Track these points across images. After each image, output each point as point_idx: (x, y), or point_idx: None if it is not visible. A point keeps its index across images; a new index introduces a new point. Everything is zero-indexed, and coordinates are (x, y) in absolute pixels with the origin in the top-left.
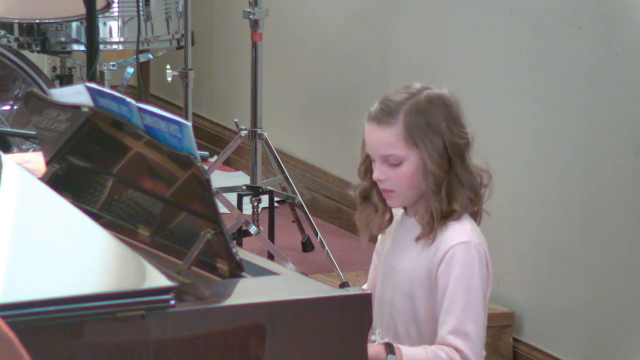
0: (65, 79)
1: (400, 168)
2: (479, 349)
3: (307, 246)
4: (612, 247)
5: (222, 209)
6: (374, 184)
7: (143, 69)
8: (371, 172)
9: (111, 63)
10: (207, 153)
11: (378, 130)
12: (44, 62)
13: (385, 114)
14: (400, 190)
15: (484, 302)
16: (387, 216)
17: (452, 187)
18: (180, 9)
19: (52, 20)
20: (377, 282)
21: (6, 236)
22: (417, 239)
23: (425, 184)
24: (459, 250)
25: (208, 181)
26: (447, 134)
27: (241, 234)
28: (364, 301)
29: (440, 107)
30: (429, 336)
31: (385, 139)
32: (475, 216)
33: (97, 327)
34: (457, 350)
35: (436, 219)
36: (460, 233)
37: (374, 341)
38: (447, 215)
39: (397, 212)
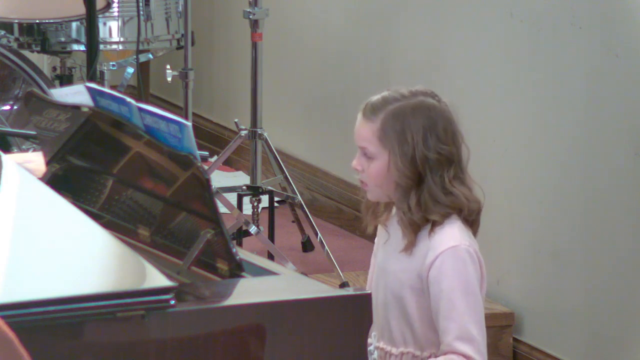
0: (65, 79)
1: (372, 163)
2: (485, 350)
3: (307, 246)
4: (612, 247)
5: (222, 209)
6: None
7: (143, 69)
8: None
9: (111, 63)
10: (207, 153)
11: (361, 122)
12: (44, 62)
13: (371, 110)
14: (370, 185)
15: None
16: (390, 206)
17: (424, 200)
18: (180, 9)
19: (52, 20)
20: (372, 283)
21: (6, 236)
22: (401, 251)
23: (390, 189)
24: (448, 256)
25: (208, 181)
26: (419, 146)
27: (241, 234)
28: (364, 301)
29: (422, 118)
30: (423, 337)
31: (363, 133)
32: (472, 225)
33: (97, 327)
34: (466, 357)
35: (407, 230)
36: (449, 238)
37: (370, 344)
38: (423, 224)
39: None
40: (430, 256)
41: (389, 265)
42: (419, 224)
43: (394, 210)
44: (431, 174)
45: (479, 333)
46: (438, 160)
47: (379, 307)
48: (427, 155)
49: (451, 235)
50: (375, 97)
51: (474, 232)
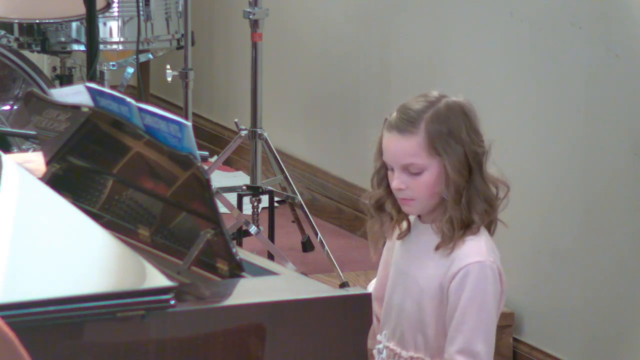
0: (65, 79)
1: (420, 177)
2: None
3: (307, 246)
4: (612, 247)
5: (222, 209)
6: (389, 193)
7: (143, 69)
8: (387, 181)
9: (111, 63)
10: (207, 153)
11: (400, 139)
12: (44, 62)
13: (406, 123)
14: (420, 198)
15: (496, 316)
16: (405, 225)
17: (470, 196)
18: (180, 9)
19: (52, 20)
20: (388, 284)
21: (6, 236)
22: (437, 248)
23: (447, 192)
24: (472, 270)
25: (208, 181)
26: (467, 143)
27: (241, 234)
28: (364, 301)
29: (460, 116)
30: (436, 345)
31: (407, 148)
32: (490, 226)
33: (97, 327)
34: None
35: (456, 228)
36: (475, 251)
37: (380, 342)
38: (467, 225)
39: (411, 217)
40: (455, 267)
41: (412, 272)
42: (467, 222)
43: (412, 217)
44: (477, 168)
45: (485, 349)
46: (483, 153)
47: (393, 309)
48: (476, 149)
49: (478, 249)
50: (402, 111)
51: (494, 228)
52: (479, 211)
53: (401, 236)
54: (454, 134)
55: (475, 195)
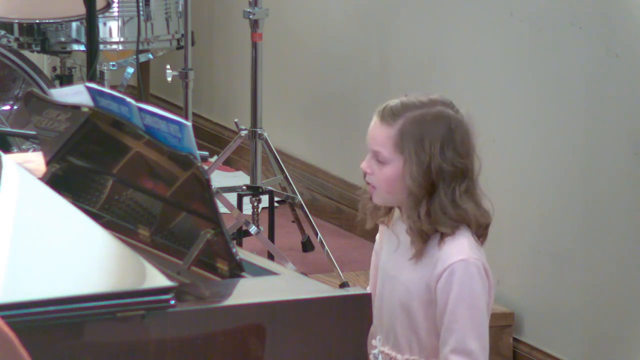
0: (65, 79)
1: (384, 168)
2: None
3: (307, 246)
4: (612, 246)
5: (222, 209)
6: None
7: (143, 69)
8: None
9: (111, 63)
10: (207, 153)
11: (378, 125)
12: (44, 62)
13: (389, 113)
14: (380, 189)
15: (487, 313)
16: (389, 210)
17: (433, 210)
18: (180, 9)
19: (52, 20)
20: (377, 287)
21: (6, 236)
22: (410, 258)
23: (401, 195)
24: (457, 268)
25: (208, 181)
26: (436, 157)
27: (241, 234)
28: (364, 301)
29: (442, 127)
30: (429, 346)
31: (378, 136)
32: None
33: (97, 327)
34: None
35: (415, 237)
36: (458, 250)
37: (375, 347)
38: (432, 234)
39: (396, 213)
40: (439, 267)
41: (398, 274)
42: (428, 233)
43: (397, 213)
44: (444, 185)
45: (479, 347)
46: (453, 172)
47: (384, 312)
48: (443, 166)
49: (460, 247)
50: (394, 102)
51: (481, 244)
52: (446, 224)
53: (378, 217)
54: (424, 143)
55: (439, 211)
